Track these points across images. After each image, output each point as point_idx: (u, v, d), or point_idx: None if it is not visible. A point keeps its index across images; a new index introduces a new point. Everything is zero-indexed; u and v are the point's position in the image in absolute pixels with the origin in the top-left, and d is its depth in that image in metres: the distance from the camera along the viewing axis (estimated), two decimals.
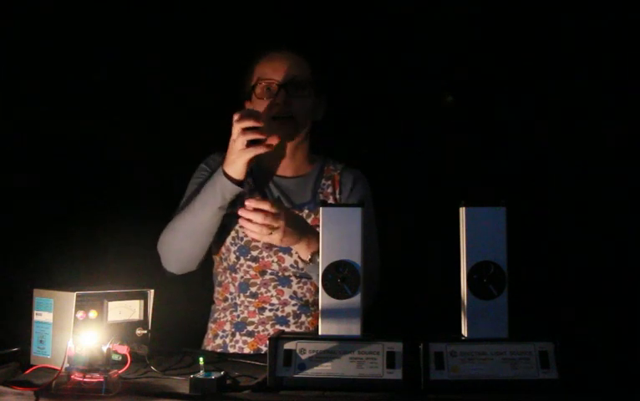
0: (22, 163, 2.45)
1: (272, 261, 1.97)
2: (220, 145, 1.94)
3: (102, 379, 1.35)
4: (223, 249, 2.00)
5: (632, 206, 2.50)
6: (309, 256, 1.83)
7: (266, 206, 1.73)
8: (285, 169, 2.07)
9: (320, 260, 1.46)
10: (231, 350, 1.97)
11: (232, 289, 2.00)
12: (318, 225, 1.48)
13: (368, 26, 2.61)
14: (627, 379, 1.50)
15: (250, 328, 1.97)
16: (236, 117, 1.81)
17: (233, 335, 1.98)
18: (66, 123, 2.50)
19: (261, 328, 1.97)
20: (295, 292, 1.98)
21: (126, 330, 1.66)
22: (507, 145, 2.61)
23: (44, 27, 2.47)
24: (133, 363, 1.45)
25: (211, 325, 2.06)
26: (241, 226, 1.80)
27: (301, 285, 1.98)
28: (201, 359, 1.40)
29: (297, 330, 1.96)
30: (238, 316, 1.99)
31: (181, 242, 1.92)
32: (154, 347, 1.68)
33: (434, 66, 2.63)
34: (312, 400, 1.35)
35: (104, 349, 1.39)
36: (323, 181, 2.07)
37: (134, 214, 2.43)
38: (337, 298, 1.45)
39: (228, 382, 1.43)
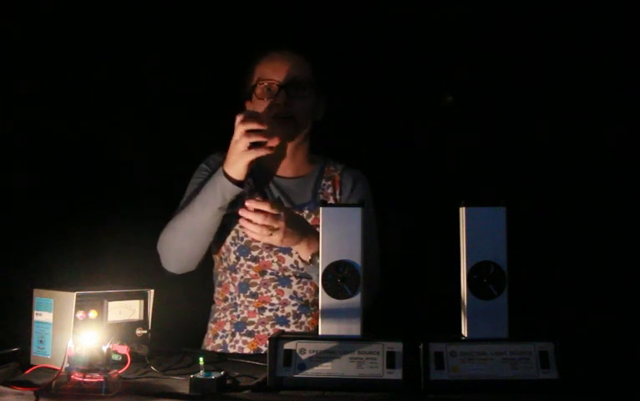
0: (22, 163, 2.46)
1: (272, 261, 1.97)
2: (221, 145, 1.94)
3: (102, 379, 1.35)
4: (223, 249, 2.00)
5: (632, 206, 2.50)
6: (309, 257, 1.83)
7: (266, 207, 1.73)
8: (285, 169, 2.07)
9: (320, 260, 1.46)
10: (231, 350, 1.97)
11: (232, 289, 2.00)
12: (318, 226, 1.48)
13: (368, 26, 2.61)
14: (627, 379, 1.50)
15: (250, 328, 1.97)
16: (239, 118, 1.81)
17: (233, 335, 1.98)
18: (66, 123, 2.50)
19: (261, 328, 1.97)
20: (295, 292, 1.98)
21: (126, 330, 1.66)
22: (507, 145, 2.61)
23: (44, 27, 2.47)
24: (133, 363, 1.45)
25: (211, 325, 2.06)
26: (241, 226, 1.80)
27: (301, 285, 1.98)
28: (201, 359, 1.40)
29: (297, 330, 1.96)
30: (238, 316, 1.99)
31: (181, 242, 1.93)
32: (154, 347, 1.68)
33: (434, 66, 2.63)
34: (312, 400, 1.35)
35: (104, 349, 1.39)
36: (324, 182, 2.07)
37: (134, 214, 2.43)
38: (337, 298, 1.45)
39: (228, 382, 1.43)
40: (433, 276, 2.52)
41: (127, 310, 1.69)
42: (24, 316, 1.65)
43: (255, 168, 2.03)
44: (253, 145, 1.81)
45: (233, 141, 1.82)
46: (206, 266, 2.08)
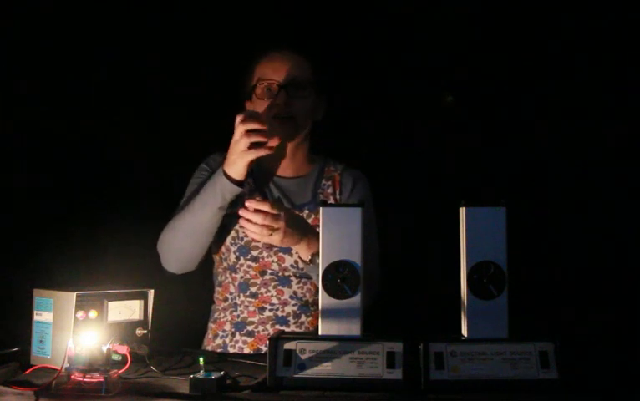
0: (22, 163, 2.46)
1: (272, 261, 1.97)
2: (220, 145, 1.94)
3: (102, 379, 1.35)
4: (223, 249, 2.00)
5: (632, 206, 2.50)
6: (309, 257, 1.83)
7: (266, 207, 1.73)
8: (285, 169, 2.07)
9: (320, 260, 1.46)
10: (231, 350, 1.97)
11: (232, 289, 2.00)
12: (318, 226, 1.48)
13: (368, 26, 2.61)
14: (627, 379, 1.50)
15: (250, 328, 1.97)
16: (239, 118, 1.81)
17: (233, 335, 1.98)
18: (66, 123, 2.50)
19: (261, 328, 1.97)
20: (295, 292, 1.98)
21: (126, 330, 1.66)
22: (507, 145, 2.61)
23: (44, 27, 2.47)
24: (133, 363, 1.45)
25: (211, 325, 2.06)
26: (241, 226, 1.80)
27: (301, 285, 1.98)
28: (201, 359, 1.40)
29: (297, 330, 1.96)
30: (238, 316, 1.99)
31: (181, 242, 1.93)
32: (154, 347, 1.68)
33: (434, 66, 2.63)
34: (312, 400, 1.35)
35: (104, 349, 1.39)
36: (324, 182, 2.07)
37: (134, 214, 2.43)
38: (337, 298, 1.45)
39: (228, 382, 1.43)
40: (433, 276, 2.52)
41: (127, 310, 1.69)
42: (24, 316, 1.65)
43: (255, 168, 2.04)
44: (253, 145, 1.81)
45: (233, 141, 1.82)
46: (206, 266, 2.08)
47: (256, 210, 1.73)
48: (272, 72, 1.99)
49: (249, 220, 1.74)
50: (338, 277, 1.45)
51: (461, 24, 2.59)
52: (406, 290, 2.49)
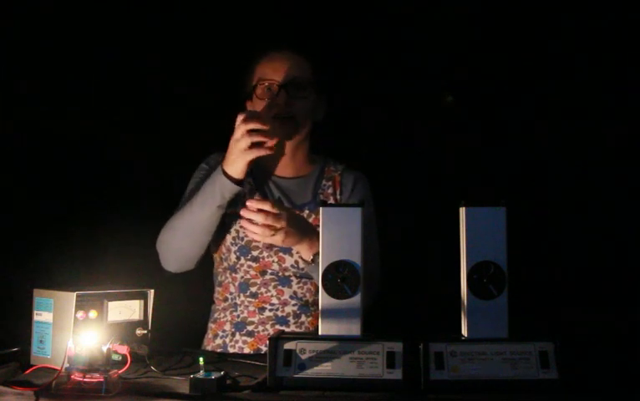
0: (22, 163, 2.46)
1: (273, 261, 1.97)
2: (220, 145, 1.94)
3: (102, 379, 1.35)
4: (224, 249, 2.00)
5: (632, 206, 2.50)
6: (311, 257, 1.83)
7: (267, 206, 1.73)
8: (285, 169, 2.07)
9: (320, 260, 1.46)
10: (231, 350, 1.97)
11: (232, 289, 2.00)
12: (319, 226, 1.48)
13: (368, 26, 2.61)
14: (627, 379, 1.50)
15: (250, 328, 1.97)
16: (240, 118, 1.81)
17: (233, 335, 1.98)
18: (66, 123, 2.50)
19: (261, 328, 1.97)
20: (295, 292, 1.98)
21: (126, 330, 1.66)
22: (507, 145, 2.61)
23: (44, 27, 2.47)
24: (133, 363, 1.45)
25: (211, 325, 2.06)
26: (241, 227, 1.80)
27: (301, 285, 1.98)
28: (201, 359, 1.40)
29: (297, 330, 1.96)
30: (238, 316, 1.99)
31: (180, 241, 1.92)
32: (154, 347, 1.68)
33: (434, 66, 2.63)
34: (312, 400, 1.35)
35: (104, 349, 1.39)
36: (324, 182, 2.07)
37: (134, 214, 2.43)
38: (337, 298, 1.45)
39: (228, 382, 1.43)
40: (433, 276, 2.52)
41: (127, 310, 1.69)
42: (24, 316, 1.65)
43: (255, 168, 2.04)
44: (254, 145, 1.80)
45: (233, 140, 1.82)
46: (206, 266, 2.08)
47: (258, 210, 1.72)
48: (273, 72, 1.99)
49: (250, 221, 1.73)
50: (338, 277, 1.45)
51: (461, 24, 2.59)
52: (406, 290, 2.49)
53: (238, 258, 1.98)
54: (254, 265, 1.98)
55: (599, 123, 2.56)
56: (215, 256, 2.06)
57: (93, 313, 1.60)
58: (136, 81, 2.55)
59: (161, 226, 1.95)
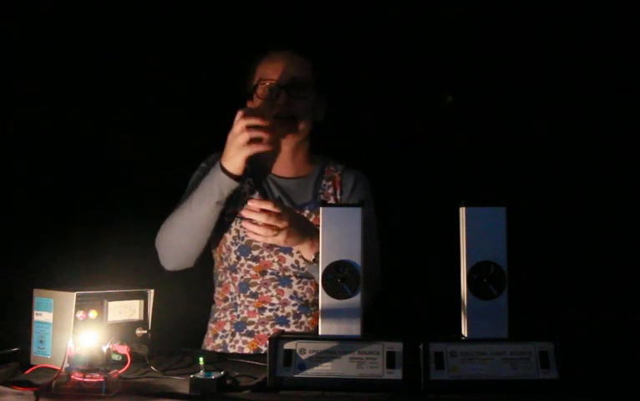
0: (23, 163, 2.46)
1: (273, 261, 1.97)
2: (220, 145, 1.93)
3: (102, 379, 1.35)
4: (224, 248, 2.00)
5: (632, 206, 2.50)
6: (313, 257, 1.83)
7: (269, 206, 1.72)
8: (285, 169, 2.07)
9: (320, 260, 1.46)
10: (231, 350, 1.97)
11: (232, 289, 2.00)
12: (319, 225, 1.48)
13: (368, 26, 2.61)
14: (627, 379, 1.50)
15: (250, 328, 1.97)
16: (240, 113, 1.80)
17: (233, 335, 1.98)
18: (66, 123, 2.50)
19: (261, 328, 1.97)
20: (295, 292, 1.98)
21: (126, 330, 1.66)
22: (507, 145, 2.61)
23: (44, 27, 2.47)
24: (133, 363, 1.45)
25: (211, 325, 2.06)
26: (241, 226, 1.79)
27: (301, 285, 1.98)
28: (201, 359, 1.40)
29: (297, 330, 1.96)
30: (238, 316, 1.99)
31: (178, 238, 1.92)
32: (154, 347, 1.68)
33: (434, 66, 2.63)
34: (312, 400, 1.35)
35: (104, 349, 1.39)
36: (324, 182, 2.07)
37: (134, 214, 2.43)
38: (337, 298, 1.45)
39: (228, 382, 1.43)
40: (433, 276, 2.51)
41: (127, 310, 1.69)
42: (24, 316, 1.65)
43: (255, 168, 2.04)
44: (252, 141, 1.80)
45: (232, 135, 1.81)
46: (206, 266, 2.08)
47: (260, 210, 1.72)
48: (273, 72, 1.99)
49: (251, 221, 1.73)
50: (338, 277, 1.45)
51: (461, 24, 2.59)
52: (406, 290, 2.49)
53: (238, 258, 1.98)
54: (254, 264, 1.98)
55: (599, 123, 2.56)
56: (216, 255, 2.06)
57: (93, 313, 1.60)
58: (136, 81, 2.55)
59: (161, 226, 1.95)
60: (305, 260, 1.87)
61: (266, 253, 1.97)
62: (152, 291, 1.73)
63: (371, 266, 1.87)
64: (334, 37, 2.57)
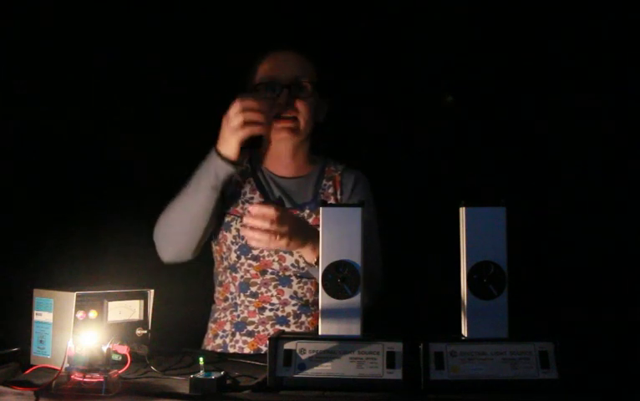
0: (23, 163, 2.46)
1: (273, 261, 1.97)
2: None
3: (102, 379, 1.35)
4: (224, 248, 2.00)
5: (632, 206, 2.50)
6: (315, 260, 1.82)
7: (270, 212, 1.72)
8: (286, 169, 2.07)
9: (320, 260, 1.46)
10: (231, 350, 1.97)
11: (232, 289, 2.00)
12: (319, 225, 1.48)
13: (368, 26, 2.61)
14: (627, 379, 1.50)
15: (250, 328, 1.97)
16: (237, 99, 1.81)
17: (233, 335, 1.98)
18: (66, 123, 2.50)
19: (261, 328, 1.97)
20: (295, 292, 1.98)
21: (126, 330, 1.66)
22: (507, 145, 2.61)
23: (44, 27, 2.47)
24: (133, 363, 1.45)
25: (211, 325, 2.06)
26: (242, 226, 1.79)
27: (301, 285, 1.98)
28: (201, 359, 1.40)
29: (297, 330, 1.96)
30: (238, 316, 1.99)
31: (175, 225, 1.92)
32: (154, 347, 1.68)
33: (434, 66, 2.63)
34: (312, 400, 1.35)
35: (104, 349, 1.39)
36: (324, 182, 2.07)
37: (134, 214, 2.43)
38: (337, 298, 1.45)
39: (228, 382, 1.43)
40: (433, 276, 2.51)
41: (127, 310, 1.69)
42: (24, 316, 1.65)
43: (255, 168, 2.04)
44: (247, 124, 1.80)
45: (226, 118, 1.82)
46: (206, 266, 2.07)
47: (262, 215, 1.71)
48: (275, 71, 1.99)
49: (252, 228, 1.72)
50: (338, 277, 1.45)
51: (461, 24, 2.59)
52: (406, 290, 2.49)
53: (238, 257, 1.98)
54: (254, 264, 1.97)
55: (599, 123, 2.56)
56: (216, 255, 2.06)
57: (93, 313, 1.60)
58: (136, 81, 2.55)
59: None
60: (307, 262, 1.87)
61: (266, 253, 1.97)
62: (152, 291, 1.73)
63: (372, 266, 1.87)
64: (334, 37, 2.57)
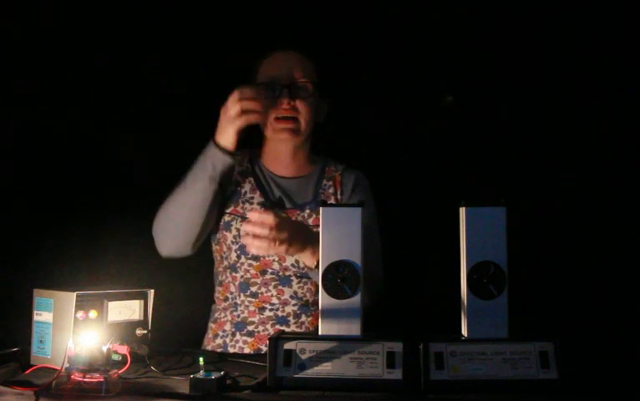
0: (23, 163, 2.45)
1: (273, 261, 1.97)
2: None
3: (102, 379, 1.35)
4: (224, 247, 2.00)
5: (632, 206, 2.50)
6: (314, 264, 1.82)
7: (270, 219, 1.71)
8: (286, 169, 2.07)
9: (320, 260, 1.46)
10: (231, 350, 1.97)
11: (233, 289, 2.00)
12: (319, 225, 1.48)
13: (368, 26, 2.61)
14: (627, 379, 1.50)
15: (250, 328, 1.97)
16: (236, 90, 1.82)
17: (233, 335, 1.98)
18: (66, 123, 2.50)
19: (261, 328, 1.97)
20: (295, 292, 1.98)
21: (126, 330, 1.66)
22: (507, 145, 2.61)
23: (44, 27, 2.47)
24: (133, 363, 1.45)
25: (211, 325, 2.06)
26: (242, 225, 1.79)
27: (301, 285, 1.98)
28: (201, 359, 1.41)
29: (297, 330, 1.96)
30: (238, 315, 1.99)
31: (173, 217, 1.91)
32: (154, 347, 1.68)
33: (434, 66, 2.63)
34: (312, 400, 1.35)
35: (104, 349, 1.39)
36: (325, 182, 2.07)
37: (134, 214, 2.43)
38: (337, 298, 1.45)
39: (228, 382, 1.43)
40: (433, 276, 2.51)
41: (127, 310, 1.69)
42: (24, 316, 1.65)
43: (255, 168, 2.04)
44: (244, 113, 1.81)
45: (224, 108, 1.83)
46: (206, 265, 2.07)
47: (261, 223, 1.71)
48: (275, 71, 1.99)
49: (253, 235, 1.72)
50: (338, 277, 1.45)
51: (461, 24, 2.59)
52: (406, 290, 2.49)
53: (238, 257, 1.98)
54: (254, 264, 1.97)
55: (599, 123, 2.56)
56: (216, 255, 2.06)
57: (93, 313, 1.60)
58: (136, 81, 2.55)
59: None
60: (307, 266, 1.87)
61: None
62: (152, 291, 1.73)
63: (372, 266, 1.87)
64: (334, 37, 2.57)
